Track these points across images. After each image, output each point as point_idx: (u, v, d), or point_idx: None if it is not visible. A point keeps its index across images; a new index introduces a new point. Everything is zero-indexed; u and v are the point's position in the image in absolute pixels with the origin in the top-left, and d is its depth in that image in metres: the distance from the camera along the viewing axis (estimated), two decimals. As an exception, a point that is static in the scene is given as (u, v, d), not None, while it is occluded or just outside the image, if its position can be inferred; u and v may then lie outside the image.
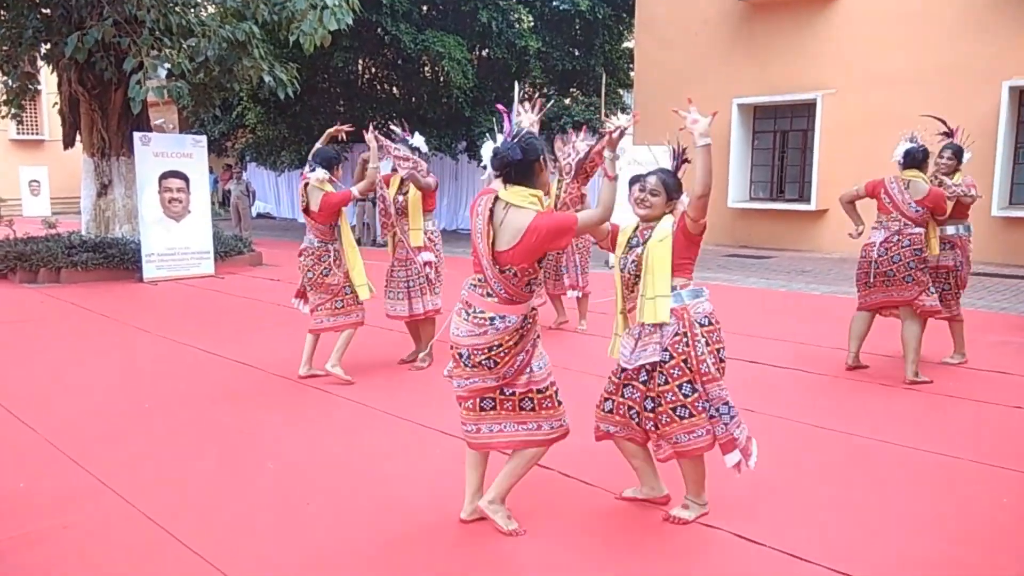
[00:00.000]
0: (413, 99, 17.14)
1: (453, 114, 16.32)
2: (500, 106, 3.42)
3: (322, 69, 16.12)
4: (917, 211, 5.08)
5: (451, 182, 18.59)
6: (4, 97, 11.16)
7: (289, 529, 3.07)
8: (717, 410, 2.98)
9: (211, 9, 10.22)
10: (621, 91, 18.98)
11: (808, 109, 13.26)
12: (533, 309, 2.97)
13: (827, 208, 12.68)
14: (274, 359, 5.75)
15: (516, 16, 15.68)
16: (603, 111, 16.22)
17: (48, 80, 17.49)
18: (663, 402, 2.94)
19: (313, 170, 5.06)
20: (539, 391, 2.95)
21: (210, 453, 3.93)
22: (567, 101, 16.80)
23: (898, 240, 5.11)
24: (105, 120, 10.53)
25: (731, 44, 13.92)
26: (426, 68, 16.13)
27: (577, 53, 17.26)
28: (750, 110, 14.00)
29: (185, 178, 10.19)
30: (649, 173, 3.15)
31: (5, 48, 9.93)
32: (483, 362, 2.87)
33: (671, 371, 2.93)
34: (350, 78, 17.33)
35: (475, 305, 2.89)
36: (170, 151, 10.15)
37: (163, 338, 6.65)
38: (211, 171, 23.43)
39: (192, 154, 10.34)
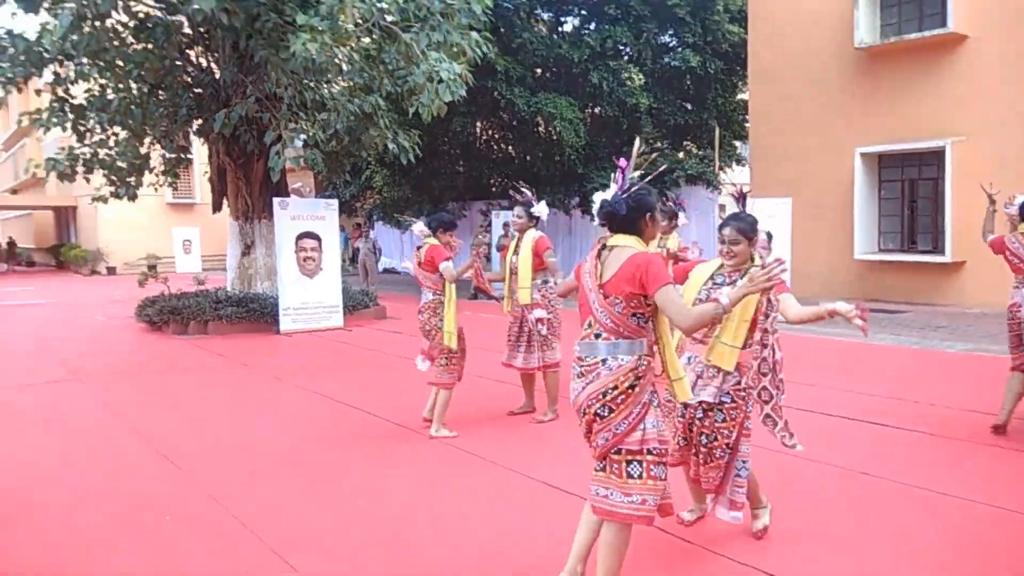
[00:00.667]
0: (527, 158, 17.70)
1: (566, 171, 16.71)
2: (621, 160, 3.44)
3: (442, 133, 16.96)
4: None
5: (565, 237, 18.89)
6: (162, 167, 12.42)
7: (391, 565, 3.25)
8: (738, 465, 3.33)
9: (342, 84, 11.07)
10: (737, 143, 18.83)
11: (937, 157, 12.66)
12: (647, 358, 2.87)
13: (964, 260, 11.96)
14: (396, 408, 6.06)
15: (626, 75, 16.01)
16: (717, 163, 16.17)
17: (199, 151, 19.27)
18: (718, 438, 3.26)
19: (434, 233, 5.39)
20: (651, 451, 2.83)
21: (331, 493, 4.20)
22: (680, 155, 16.84)
23: None
24: (249, 187, 11.53)
25: (850, 92, 13.59)
26: (539, 128, 16.65)
27: (689, 107, 17.35)
28: (875, 159, 13.53)
29: (318, 238, 10.97)
30: (723, 224, 3.24)
31: (163, 125, 11.11)
32: (598, 412, 2.81)
33: (730, 412, 3.26)
34: (468, 140, 18.13)
35: (584, 354, 2.90)
36: (305, 214, 10.98)
37: (295, 387, 7.14)
38: (342, 230, 25.04)
39: (325, 216, 11.13)
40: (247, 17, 9.16)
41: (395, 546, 3.51)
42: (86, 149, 10.92)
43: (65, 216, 32.86)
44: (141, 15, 10.29)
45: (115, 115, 10.43)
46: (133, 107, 10.45)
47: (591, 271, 2.95)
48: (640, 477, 2.81)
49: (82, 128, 10.78)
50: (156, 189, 12.64)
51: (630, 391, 2.81)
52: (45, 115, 10.71)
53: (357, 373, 7.93)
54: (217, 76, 10.92)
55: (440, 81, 8.02)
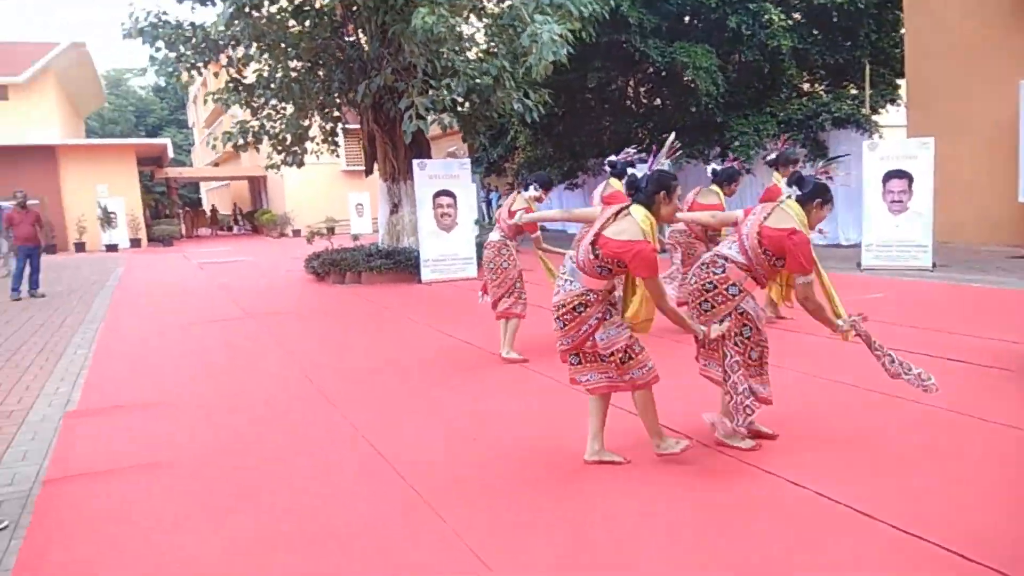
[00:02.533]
0: (668, 108, 17.68)
1: (704, 121, 16.55)
2: (655, 147, 4.07)
3: (579, 90, 17.34)
4: None
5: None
6: (321, 137, 13.89)
7: (463, 453, 4.05)
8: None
9: (473, 51, 11.86)
10: (899, 81, 17.59)
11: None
12: (599, 292, 3.60)
13: None
14: (494, 341, 6.88)
15: (767, 17, 15.46)
16: (868, 103, 15.35)
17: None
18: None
19: (526, 188, 6.10)
20: (604, 356, 3.63)
21: (433, 409, 5.08)
22: (828, 97, 16.09)
23: None
24: (395, 151, 12.70)
25: (1015, 22, 12.43)
26: (677, 78, 16.55)
27: (839, 46, 16.45)
28: (1043, 92, 12.35)
29: (453, 196, 11.95)
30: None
31: (320, 98, 12.48)
32: (556, 318, 3.68)
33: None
34: (607, 95, 18.37)
35: (563, 270, 3.75)
36: (441, 173, 11.98)
37: (424, 325, 8.16)
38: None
39: (459, 175, 12.08)
40: (378, -4, 10.13)
41: (481, 444, 4.32)
42: (255, 123, 12.54)
43: (257, 185, 36.72)
44: (297, 1, 11.63)
45: (278, 91, 11.94)
46: (293, 84, 11.88)
47: (602, 218, 3.61)
48: (623, 363, 3.62)
49: (254, 105, 12.40)
50: (317, 157, 14.14)
51: (575, 312, 3.61)
52: (224, 95, 12.45)
53: (472, 315, 8.82)
54: (365, 51, 12.10)
55: (542, 43, 8.54)
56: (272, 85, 12.03)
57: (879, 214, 10.98)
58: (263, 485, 3.81)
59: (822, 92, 17.40)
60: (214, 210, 39.63)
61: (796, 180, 3.82)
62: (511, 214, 6.02)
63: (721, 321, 3.70)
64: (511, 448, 4.13)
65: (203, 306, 10.46)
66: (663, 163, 3.92)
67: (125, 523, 3.44)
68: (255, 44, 11.36)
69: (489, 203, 25.32)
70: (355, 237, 14.08)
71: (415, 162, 11.87)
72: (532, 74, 9.04)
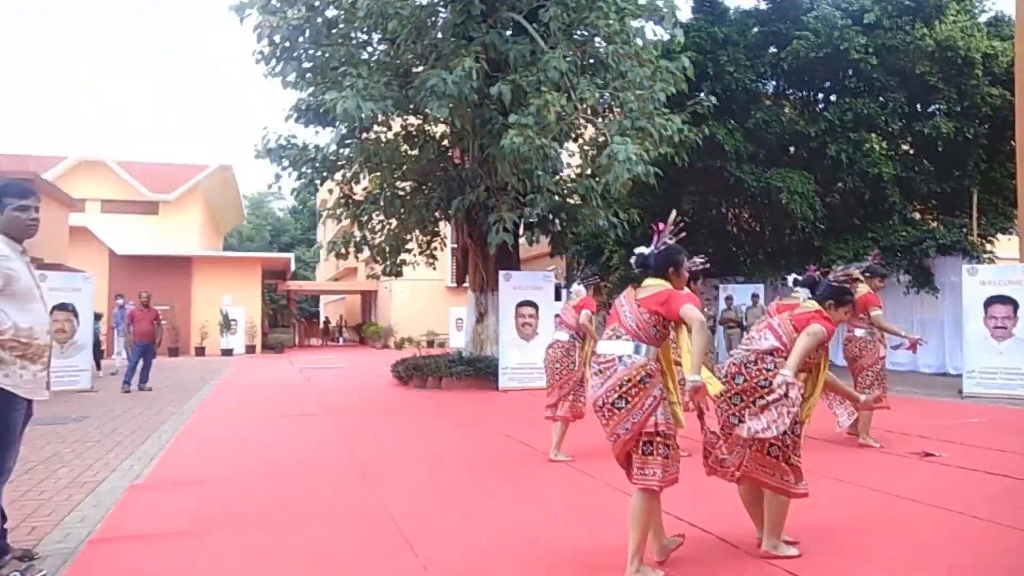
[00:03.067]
0: (765, 233, 17.54)
1: (802, 244, 16.29)
2: (659, 224, 4.11)
3: (678, 215, 17.53)
4: None
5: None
6: (418, 249, 14.60)
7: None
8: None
9: (569, 172, 12.40)
10: (1013, 211, 16.81)
11: None
12: (656, 362, 3.49)
13: None
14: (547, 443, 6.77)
15: (868, 146, 15.37)
16: (975, 230, 14.70)
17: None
18: None
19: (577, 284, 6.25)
20: (661, 434, 3.38)
21: (480, 504, 5.05)
22: (933, 224, 15.55)
23: None
24: (484, 263, 13.18)
25: None
26: (772, 203, 16.50)
27: (946, 175, 16.02)
28: None
29: (535, 306, 12.16)
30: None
31: (422, 212, 13.24)
32: (615, 403, 3.39)
33: None
34: (706, 218, 18.49)
35: (603, 351, 3.54)
36: (526, 284, 12.27)
37: (488, 427, 8.17)
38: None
39: (542, 287, 12.33)
40: (480, 121, 10.88)
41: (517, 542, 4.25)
42: (358, 234, 13.41)
43: (368, 299, 38.56)
44: (410, 128, 12.66)
45: (385, 207, 12.82)
46: (396, 200, 12.75)
47: (627, 297, 3.64)
48: (652, 455, 3.38)
49: (362, 220, 13.33)
50: (414, 268, 14.83)
51: (641, 384, 3.39)
52: (336, 209, 13.47)
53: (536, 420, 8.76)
54: (465, 171, 12.90)
55: (618, 161, 8.86)
56: (381, 201, 12.90)
57: (981, 340, 10.31)
58: (278, 552, 3.87)
59: (929, 220, 16.84)
60: (327, 321, 41.72)
61: (809, 283, 3.80)
62: (577, 311, 6.14)
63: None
64: (530, 544, 4.01)
65: (288, 404, 10.91)
66: (667, 240, 3.97)
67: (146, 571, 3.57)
68: (365, 164, 12.34)
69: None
70: (440, 344, 14.42)
71: (501, 273, 12.25)
72: (612, 191, 9.33)
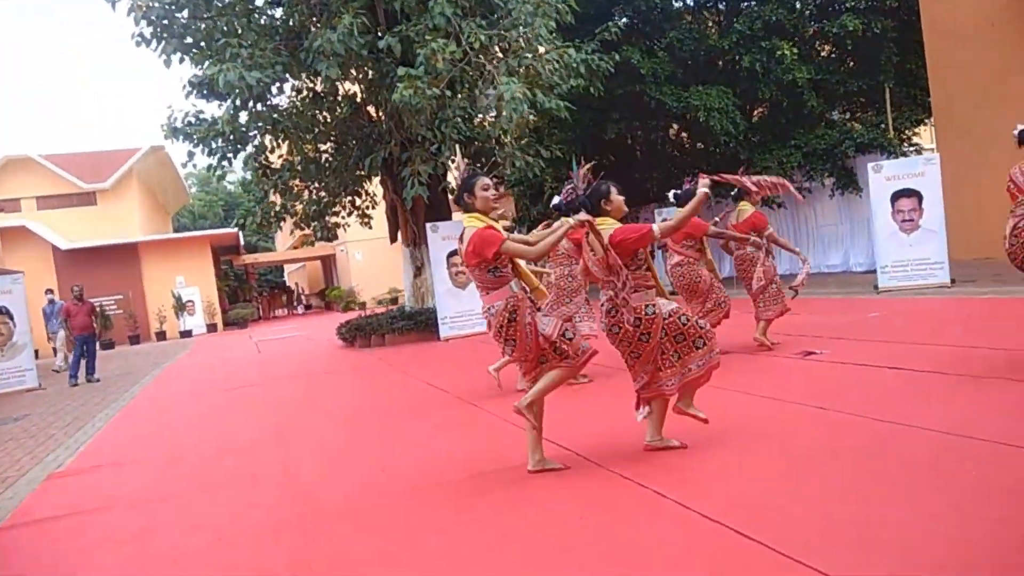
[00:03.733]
0: (694, 151, 17.76)
1: (728, 159, 16.53)
2: (571, 172, 4.40)
3: (607, 143, 17.66)
4: None
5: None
6: (346, 210, 14.60)
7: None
8: None
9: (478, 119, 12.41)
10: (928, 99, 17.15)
11: None
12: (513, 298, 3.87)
13: None
14: (465, 388, 7.05)
15: (780, 52, 15.48)
16: (890, 126, 15.02)
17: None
18: None
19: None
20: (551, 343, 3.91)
21: (367, 447, 5.32)
22: (849, 125, 15.84)
23: None
24: (415, 218, 13.26)
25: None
26: (696, 121, 16.66)
27: (861, 73, 16.24)
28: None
29: (465, 254, 12.32)
30: None
31: (343, 172, 13.20)
32: (507, 342, 3.92)
33: None
34: (638, 145, 18.64)
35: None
36: (453, 235, 12.39)
37: (413, 378, 8.44)
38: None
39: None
40: (379, 75, 10.82)
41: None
42: (279, 202, 13.36)
43: (328, 264, 38.44)
44: (318, 90, 12.51)
45: (301, 173, 12.77)
46: (311, 165, 12.71)
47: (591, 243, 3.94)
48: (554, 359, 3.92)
49: (281, 188, 13.29)
50: (345, 230, 14.86)
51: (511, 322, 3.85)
52: (256, 181, 13.41)
53: (466, 368, 9.04)
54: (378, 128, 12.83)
55: (507, 102, 8.92)
56: (298, 167, 12.85)
57: (891, 235, 10.68)
58: (174, 524, 4.11)
59: (853, 123, 17.13)
60: (289, 292, 41.62)
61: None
62: None
63: None
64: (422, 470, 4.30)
65: (229, 378, 11.08)
66: (578, 185, 4.24)
67: (46, 553, 3.81)
68: (270, 133, 12.25)
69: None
70: (385, 303, 14.58)
71: (428, 225, 12.36)
72: (507, 133, 9.41)
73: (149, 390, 10.91)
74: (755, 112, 17.96)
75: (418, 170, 10.96)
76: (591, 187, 4.11)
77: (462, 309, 12.25)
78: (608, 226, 3.90)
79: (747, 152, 16.25)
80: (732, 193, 7.16)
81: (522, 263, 4.17)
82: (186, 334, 26.51)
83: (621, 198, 4.04)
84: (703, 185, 3.91)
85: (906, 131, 15.98)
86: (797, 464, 3.67)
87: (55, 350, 15.99)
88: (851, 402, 4.63)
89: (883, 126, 15.28)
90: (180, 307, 26.54)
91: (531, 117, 9.46)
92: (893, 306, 9.31)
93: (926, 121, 16.06)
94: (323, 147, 13.55)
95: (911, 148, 16.85)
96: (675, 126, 17.85)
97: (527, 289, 4.00)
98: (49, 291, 15.34)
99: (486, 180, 3.96)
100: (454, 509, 3.68)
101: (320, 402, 7.86)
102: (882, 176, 10.88)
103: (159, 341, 26.40)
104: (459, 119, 11.79)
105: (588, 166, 4.41)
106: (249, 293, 36.51)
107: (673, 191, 7.29)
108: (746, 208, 7.19)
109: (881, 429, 4.02)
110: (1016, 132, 4.81)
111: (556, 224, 4.12)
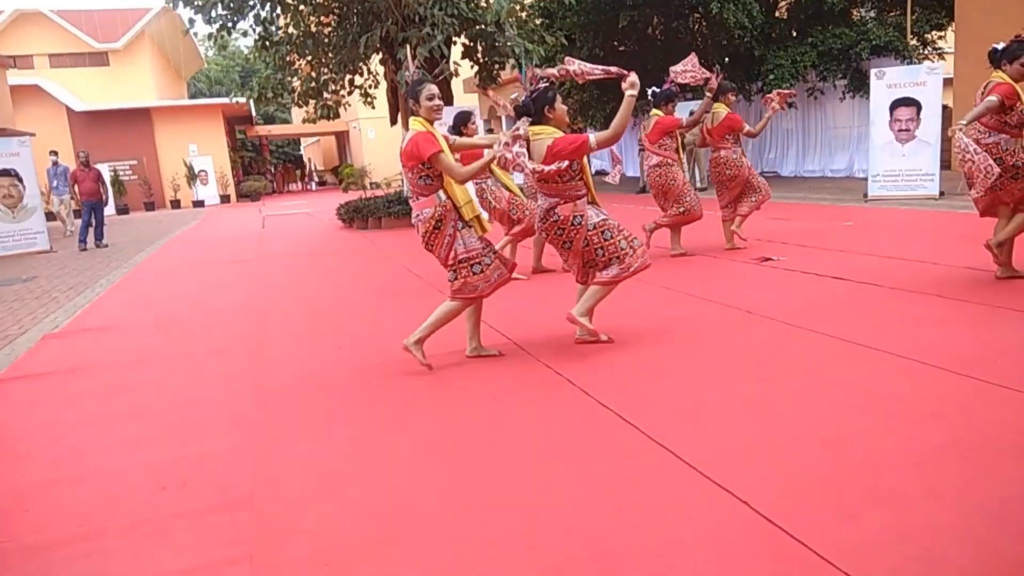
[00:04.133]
0: (707, 44, 17.25)
1: (742, 54, 16.12)
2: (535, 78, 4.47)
3: (618, 32, 17.16)
4: None
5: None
6: (345, 88, 14.45)
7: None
8: None
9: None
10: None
11: None
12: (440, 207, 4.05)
13: None
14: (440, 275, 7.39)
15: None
16: (909, 28, 14.50)
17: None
18: None
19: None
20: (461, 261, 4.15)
21: (346, 327, 5.73)
22: (869, 25, 15.27)
23: None
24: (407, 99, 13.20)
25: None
26: (712, 13, 16.12)
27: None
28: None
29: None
30: None
31: (341, 49, 13.00)
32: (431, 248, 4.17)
33: None
34: (649, 34, 18.09)
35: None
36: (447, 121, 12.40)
37: (395, 262, 8.80)
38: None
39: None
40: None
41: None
42: (274, 77, 13.23)
43: (343, 140, 38.25)
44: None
45: (295, 47, 12.65)
46: (308, 40, 12.58)
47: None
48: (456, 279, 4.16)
49: (279, 62, 13.17)
50: (345, 109, 14.80)
51: (436, 230, 4.06)
52: (256, 52, 13.31)
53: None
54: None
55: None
56: (291, 41, 12.74)
57: (886, 144, 10.62)
58: (144, 386, 4.57)
59: (871, 20, 16.49)
60: (303, 166, 41.67)
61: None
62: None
63: None
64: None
65: (230, 252, 11.53)
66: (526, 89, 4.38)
67: (32, 408, 4.29)
68: (268, 2, 12.06)
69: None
70: (386, 186, 14.77)
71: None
72: (500, 19, 9.26)
73: (152, 259, 11.39)
74: (779, 5, 17.30)
75: (415, 51, 10.84)
76: (536, 92, 4.20)
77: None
78: (547, 135, 4.06)
79: (762, 48, 15.83)
80: (709, 95, 7.16)
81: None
82: (199, 204, 26.96)
83: (564, 107, 4.17)
84: (630, 86, 3.97)
85: (926, 34, 15.39)
86: (702, 362, 4.01)
87: (56, 213, 16.33)
88: (781, 308, 4.93)
89: (901, 27, 14.75)
90: (192, 176, 26.83)
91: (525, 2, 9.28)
92: (873, 216, 9.40)
93: (948, 24, 15.43)
94: (326, 20, 13.33)
95: (934, 52, 16.30)
96: (685, 20, 17.26)
97: (456, 202, 4.13)
98: (53, 152, 15.52)
99: (432, 89, 4.03)
100: (383, 389, 4.08)
101: (305, 281, 8.23)
102: (884, 83, 10.68)
103: (173, 209, 26.91)
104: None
105: (542, 71, 4.40)
106: (263, 166, 36.61)
107: (651, 88, 7.36)
108: (721, 110, 7.23)
109: (794, 334, 4.34)
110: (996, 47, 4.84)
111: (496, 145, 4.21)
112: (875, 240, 7.55)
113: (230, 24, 12.37)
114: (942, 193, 10.22)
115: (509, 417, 3.48)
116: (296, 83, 13.46)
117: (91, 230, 13.27)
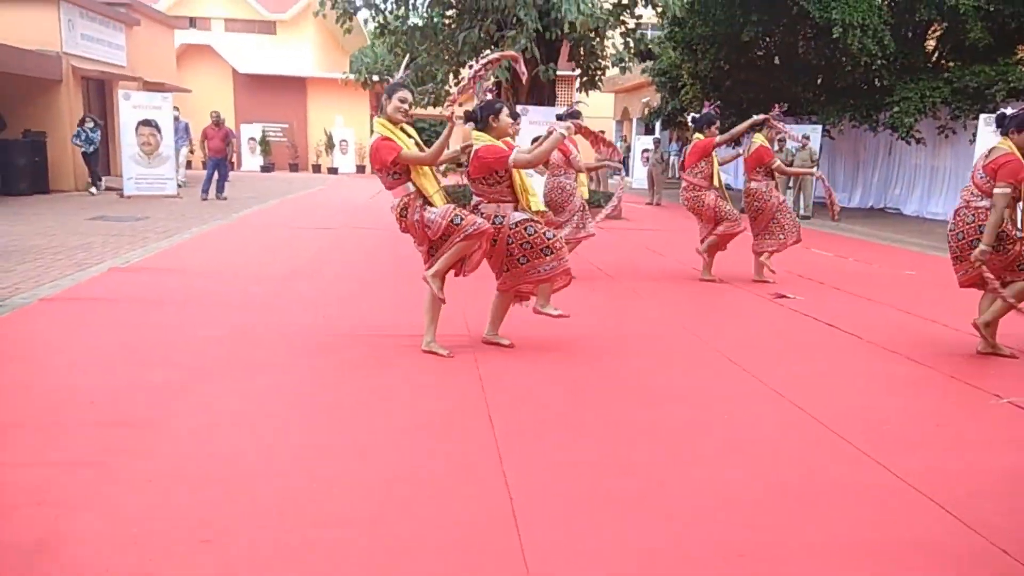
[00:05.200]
0: (825, 67, 16.55)
1: (868, 83, 15.36)
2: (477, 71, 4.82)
3: (741, 47, 16.81)
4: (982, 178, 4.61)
5: (872, 156, 17.41)
6: (454, 81, 15.11)
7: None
8: None
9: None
10: None
11: None
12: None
13: None
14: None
15: (950, -29, 13.82)
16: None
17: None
18: None
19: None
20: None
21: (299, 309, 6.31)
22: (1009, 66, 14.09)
23: None
24: (515, 96, 13.68)
25: None
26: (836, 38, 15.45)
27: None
28: None
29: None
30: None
31: (449, 44, 13.65)
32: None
33: None
34: (776, 52, 17.56)
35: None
36: (540, 120, 12.77)
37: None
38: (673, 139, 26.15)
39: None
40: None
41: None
42: (381, 62, 14.06)
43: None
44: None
45: (408, 38, 13.43)
46: (417, 32, 13.32)
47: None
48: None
49: (394, 49, 14.02)
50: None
51: (402, 216, 4.42)
52: (374, 37, 14.25)
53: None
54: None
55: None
56: (405, 32, 13.54)
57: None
58: (177, 322, 5.30)
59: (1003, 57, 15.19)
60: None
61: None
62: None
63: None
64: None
65: (324, 218, 12.46)
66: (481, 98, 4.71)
67: (68, 324, 5.14)
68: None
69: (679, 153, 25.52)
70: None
71: (519, 107, 12.75)
72: (564, 28, 9.50)
73: (253, 215, 12.53)
74: (928, 35, 16.30)
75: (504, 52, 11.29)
76: (486, 103, 4.47)
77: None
78: (481, 142, 4.38)
79: (889, 79, 15.01)
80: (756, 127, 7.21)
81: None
82: (333, 171, 28.83)
83: (509, 120, 4.43)
84: (561, 127, 4.24)
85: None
86: (602, 377, 4.21)
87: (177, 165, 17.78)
88: (736, 343, 4.97)
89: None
90: (330, 145, 28.72)
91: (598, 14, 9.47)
92: (947, 270, 8.84)
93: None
94: (448, 14, 14.03)
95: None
96: (810, 41, 16.63)
97: (424, 191, 4.47)
98: (175, 108, 16.88)
99: (405, 95, 4.38)
100: (360, 366, 4.57)
101: (377, 252, 8.91)
102: (991, 130, 9.96)
103: (314, 173, 28.96)
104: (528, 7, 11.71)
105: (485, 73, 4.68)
106: (403, 142, 38.39)
107: (691, 115, 7.46)
108: (756, 140, 7.20)
109: (722, 369, 4.42)
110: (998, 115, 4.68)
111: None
112: (917, 295, 7.17)
113: (352, 11, 13.31)
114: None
115: (417, 403, 3.86)
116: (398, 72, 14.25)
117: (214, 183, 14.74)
